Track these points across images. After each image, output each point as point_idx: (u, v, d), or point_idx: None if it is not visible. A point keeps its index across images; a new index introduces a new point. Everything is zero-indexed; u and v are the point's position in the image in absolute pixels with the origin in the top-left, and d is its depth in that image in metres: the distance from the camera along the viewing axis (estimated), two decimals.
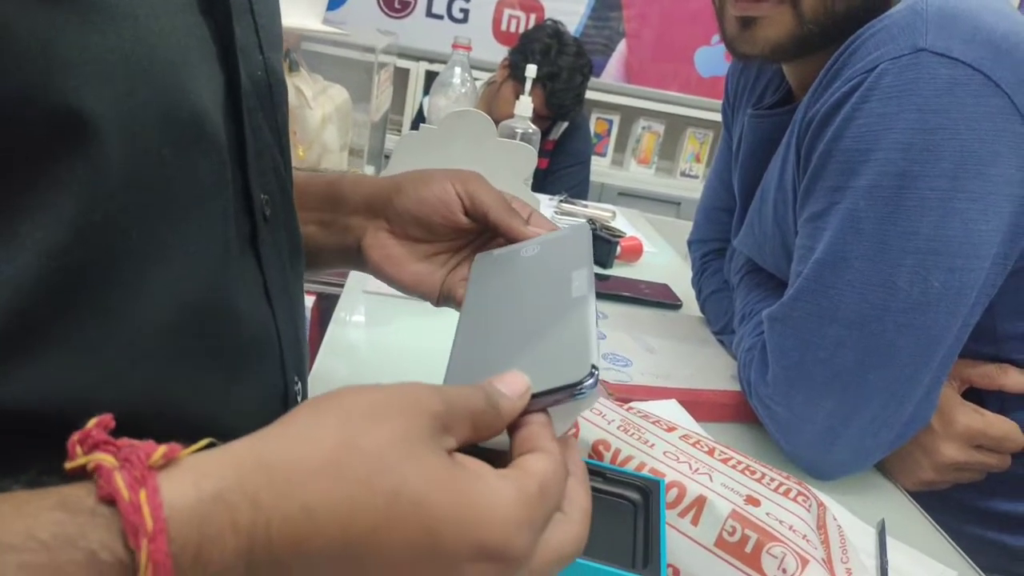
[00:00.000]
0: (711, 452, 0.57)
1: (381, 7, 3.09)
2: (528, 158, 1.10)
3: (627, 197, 3.03)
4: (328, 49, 1.49)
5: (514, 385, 0.36)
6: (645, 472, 0.54)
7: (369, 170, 1.61)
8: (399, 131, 2.86)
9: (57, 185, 0.28)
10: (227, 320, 0.39)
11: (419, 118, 2.38)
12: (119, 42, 0.30)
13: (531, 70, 1.28)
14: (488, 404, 0.34)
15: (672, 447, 0.57)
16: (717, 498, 0.52)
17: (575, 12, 3.10)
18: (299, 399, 0.49)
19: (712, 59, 3.16)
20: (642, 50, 3.17)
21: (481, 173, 0.57)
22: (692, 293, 1.16)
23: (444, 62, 1.55)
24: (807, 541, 0.50)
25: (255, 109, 0.42)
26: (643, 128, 3.28)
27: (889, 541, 0.65)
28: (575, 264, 0.47)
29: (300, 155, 1.32)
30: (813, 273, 0.72)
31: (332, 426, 0.30)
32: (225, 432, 0.29)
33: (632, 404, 0.67)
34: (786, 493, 0.54)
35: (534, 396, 0.36)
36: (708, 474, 0.54)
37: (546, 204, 1.67)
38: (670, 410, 0.75)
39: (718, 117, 1.15)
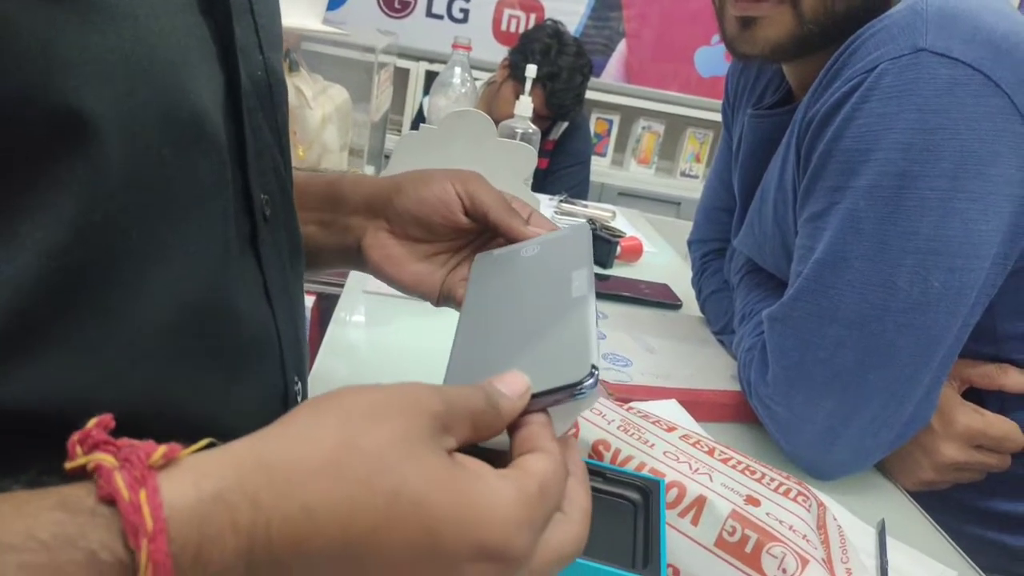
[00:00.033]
0: (711, 452, 0.57)
1: (381, 7, 3.09)
2: (528, 158, 1.10)
3: (627, 197, 3.03)
4: (328, 49, 1.49)
5: (514, 385, 0.36)
6: (645, 472, 0.54)
7: (369, 170, 1.61)
8: (399, 131, 2.86)
9: (57, 185, 0.28)
10: (227, 320, 0.39)
11: (419, 118, 2.38)
12: (119, 42, 0.30)
13: (531, 70, 1.28)
14: (488, 404, 0.34)
15: (672, 447, 0.57)
16: (717, 498, 0.52)
17: (575, 12, 3.10)
18: (299, 399, 0.49)
19: (712, 59, 3.16)
20: (642, 50, 3.17)
21: (481, 173, 0.57)
22: (692, 293, 1.16)
23: (444, 62, 1.55)
24: (807, 541, 0.50)
25: (255, 109, 0.42)
26: (643, 128, 3.28)
27: (889, 541, 0.65)
28: (575, 264, 0.47)
29: (300, 155, 1.32)
30: (813, 273, 0.72)
31: (332, 426, 0.30)
32: (225, 432, 0.29)
33: (632, 404, 0.67)
34: (786, 493, 0.54)
35: (534, 396, 0.36)
36: (708, 474, 0.54)
37: (546, 204, 1.67)
38: (670, 410, 0.75)
39: (718, 117, 1.15)
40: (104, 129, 0.29)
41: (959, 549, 0.69)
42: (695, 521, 0.52)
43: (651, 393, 0.81)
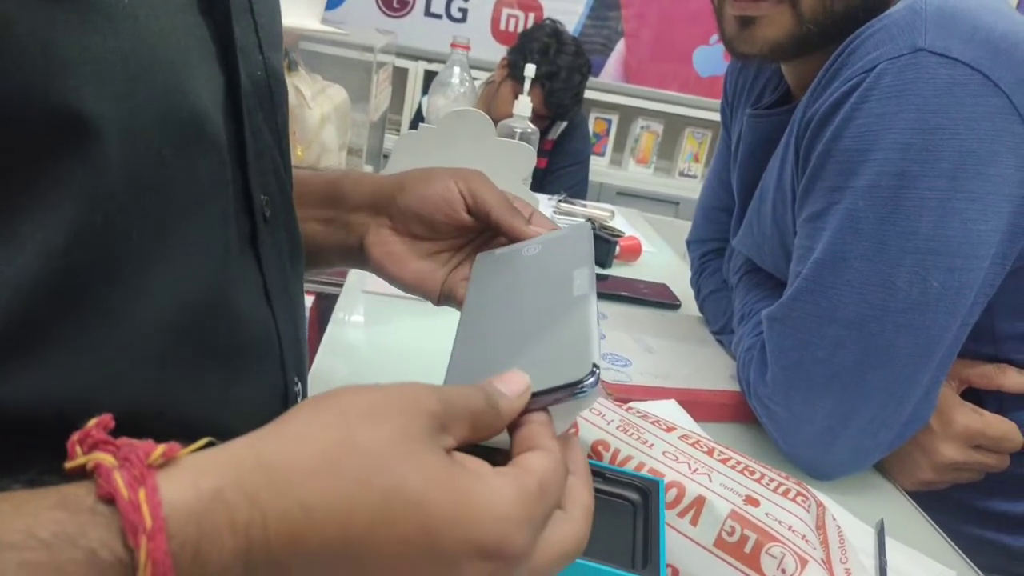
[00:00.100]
0: (710, 452, 0.57)
1: (380, 6, 3.09)
2: (527, 158, 1.10)
3: (626, 197, 3.03)
4: (327, 49, 1.49)
5: (514, 384, 0.36)
6: (644, 472, 0.54)
7: (368, 170, 1.60)
8: (398, 131, 2.86)
9: (57, 185, 0.28)
10: (227, 320, 0.39)
11: (418, 117, 2.38)
12: (119, 42, 0.30)
13: (530, 69, 1.28)
14: (487, 404, 0.34)
15: (671, 447, 0.57)
16: (716, 498, 0.52)
17: (574, 11, 3.10)
18: (299, 399, 0.49)
19: (711, 59, 3.16)
20: (641, 50, 3.17)
21: (474, 170, 0.57)
22: (691, 293, 1.16)
23: (443, 61, 1.55)
24: (806, 541, 0.50)
25: (255, 109, 0.42)
26: (642, 128, 3.28)
27: (888, 541, 0.65)
28: (576, 263, 0.47)
29: (299, 155, 1.32)
30: (812, 273, 0.72)
31: (330, 425, 0.30)
32: (225, 432, 0.29)
33: (631, 404, 0.67)
34: (785, 493, 0.54)
35: (535, 395, 0.36)
36: (707, 474, 0.54)
37: (545, 204, 1.67)
38: (669, 410, 0.75)
39: (717, 117, 1.15)
40: (104, 129, 0.29)
41: (958, 549, 0.69)
42: (694, 521, 0.52)
43: (650, 393, 0.81)
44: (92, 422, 0.27)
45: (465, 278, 0.54)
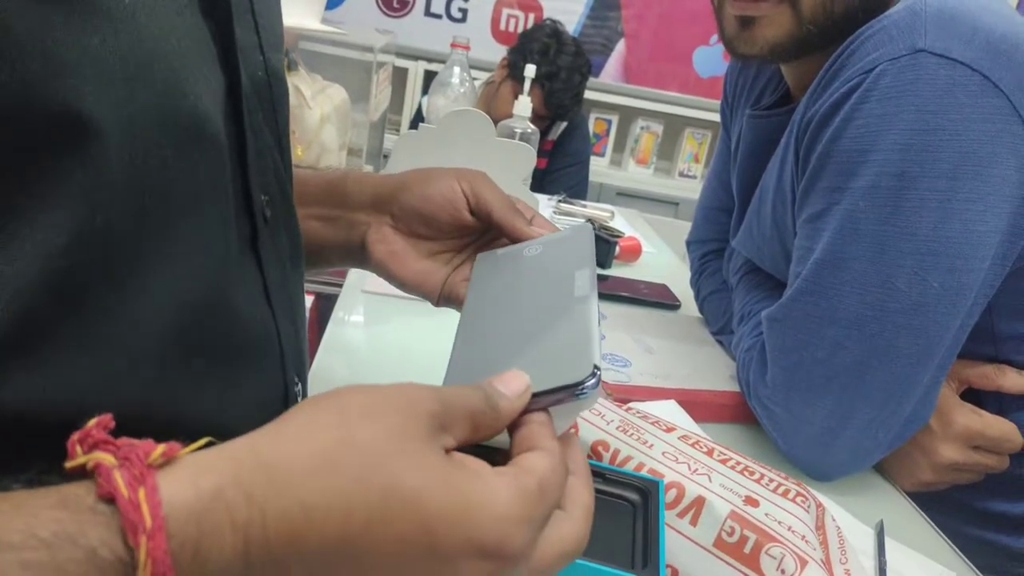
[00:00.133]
0: (710, 453, 0.57)
1: (379, 6, 3.09)
2: (527, 158, 1.10)
3: (625, 197, 3.04)
4: (327, 48, 1.49)
5: (513, 384, 0.36)
6: (644, 473, 0.54)
7: (368, 169, 1.61)
8: (398, 131, 2.86)
9: (57, 186, 0.28)
10: (227, 321, 0.39)
11: (418, 117, 2.38)
12: (118, 43, 0.30)
13: (530, 70, 1.28)
14: (487, 404, 0.34)
15: (671, 447, 0.57)
16: (716, 499, 0.52)
17: (574, 12, 3.10)
18: (299, 399, 0.49)
19: (711, 59, 3.16)
20: (641, 50, 3.17)
21: (477, 171, 0.57)
22: (691, 293, 1.16)
23: (443, 61, 1.55)
24: (806, 542, 0.50)
25: (255, 110, 0.42)
26: (641, 128, 3.28)
27: (888, 542, 0.65)
28: (577, 264, 0.47)
29: (299, 154, 1.32)
30: (812, 274, 0.72)
31: (330, 424, 0.30)
32: (225, 432, 0.29)
33: (631, 404, 0.67)
34: (785, 494, 0.54)
35: (535, 395, 0.36)
36: (707, 475, 0.54)
37: (545, 204, 1.67)
38: (669, 410, 0.75)
39: (717, 117, 1.15)
40: (104, 131, 0.29)
41: (957, 550, 0.69)
42: (694, 522, 0.52)
43: (650, 393, 0.81)
44: (92, 422, 0.27)
45: (466, 279, 0.54)
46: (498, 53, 2.45)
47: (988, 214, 0.66)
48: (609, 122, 3.30)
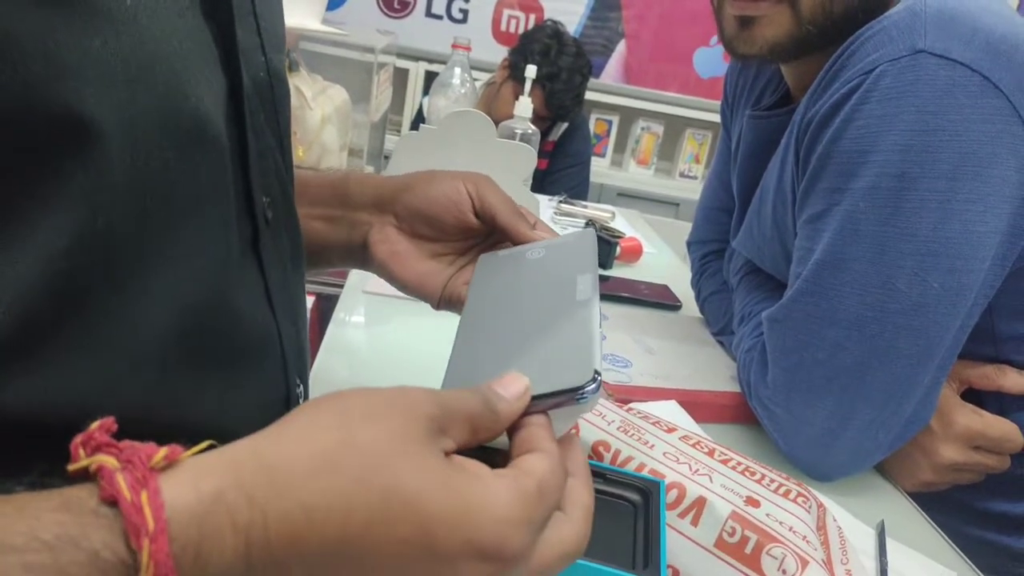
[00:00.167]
0: (711, 453, 0.57)
1: (380, 7, 3.09)
2: (527, 159, 1.10)
3: (626, 198, 3.03)
4: (327, 49, 1.49)
5: (513, 387, 0.36)
6: (645, 473, 0.54)
7: (369, 170, 1.61)
8: (398, 131, 2.86)
9: (59, 189, 0.28)
10: (228, 322, 0.39)
11: (419, 118, 2.38)
12: (120, 45, 0.30)
13: (531, 71, 1.28)
14: (485, 407, 0.34)
15: (672, 448, 0.57)
16: (717, 499, 0.52)
17: (574, 12, 3.10)
18: (301, 401, 0.49)
19: (711, 60, 3.16)
20: (641, 51, 3.17)
21: (481, 174, 0.57)
22: (691, 294, 1.16)
23: (444, 62, 1.55)
24: (807, 542, 0.50)
25: (257, 111, 0.42)
26: (642, 129, 3.28)
27: (889, 542, 0.65)
28: (580, 268, 0.47)
29: (299, 155, 1.32)
30: (812, 274, 0.72)
31: (330, 426, 0.30)
32: (228, 435, 0.29)
33: (632, 405, 0.67)
34: (786, 494, 0.54)
35: (535, 398, 0.36)
36: (708, 475, 0.54)
37: (545, 205, 1.67)
38: (670, 411, 0.75)
39: (717, 118, 1.15)
40: (105, 132, 0.29)
41: (958, 550, 0.69)
42: (695, 522, 0.52)
43: (651, 394, 0.81)
44: (95, 425, 0.27)
45: (467, 282, 0.54)
46: (499, 54, 2.45)
47: (988, 215, 0.66)
48: (610, 123, 3.30)
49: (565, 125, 2.31)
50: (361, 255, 0.58)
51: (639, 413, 0.62)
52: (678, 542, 0.52)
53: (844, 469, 0.76)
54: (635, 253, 1.39)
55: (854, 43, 0.70)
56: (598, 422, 0.59)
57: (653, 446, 0.57)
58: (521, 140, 1.25)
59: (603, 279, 1.22)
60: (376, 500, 0.28)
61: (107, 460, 0.26)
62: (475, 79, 1.63)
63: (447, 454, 0.32)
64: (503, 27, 3.11)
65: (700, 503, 0.52)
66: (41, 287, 0.28)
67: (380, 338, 0.94)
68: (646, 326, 1.04)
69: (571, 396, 0.36)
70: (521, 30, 2.96)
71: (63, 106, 0.27)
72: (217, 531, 0.26)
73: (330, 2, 2.92)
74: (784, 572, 0.48)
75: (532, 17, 3.09)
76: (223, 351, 0.39)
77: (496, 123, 1.11)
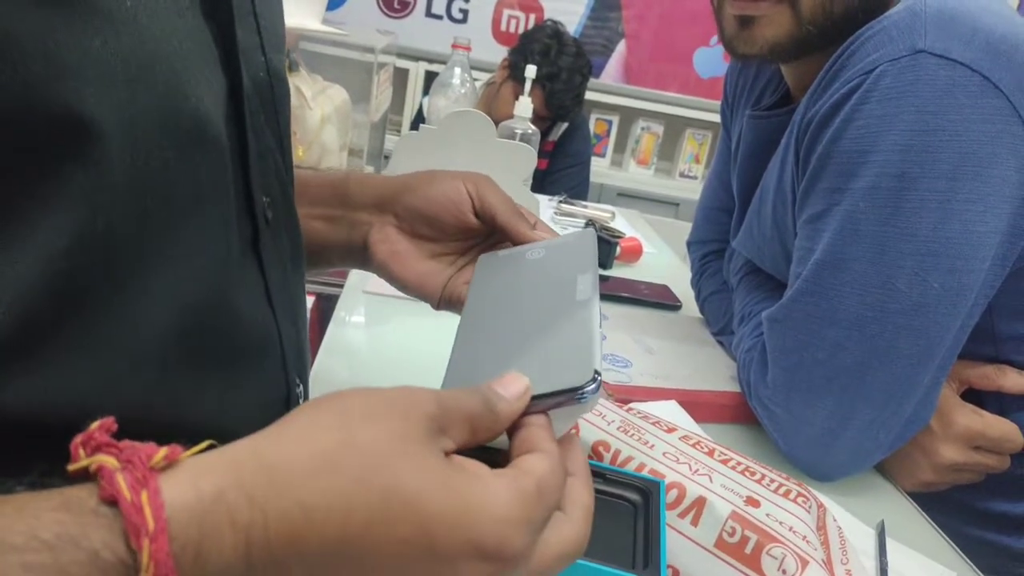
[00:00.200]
0: (711, 453, 0.57)
1: (380, 7, 3.09)
2: (527, 159, 1.10)
3: (626, 198, 3.03)
4: (327, 49, 1.49)
5: (512, 387, 0.36)
6: (645, 473, 0.54)
7: (369, 170, 1.61)
8: (398, 131, 2.86)
9: (58, 188, 0.28)
10: (228, 322, 0.39)
11: (419, 118, 2.38)
12: (120, 45, 0.30)
13: (531, 70, 1.28)
14: (485, 408, 0.34)
15: (672, 448, 0.57)
16: (717, 499, 0.52)
17: (574, 12, 3.10)
18: (301, 401, 0.49)
19: (711, 60, 3.16)
20: (641, 51, 3.17)
21: (481, 174, 0.57)
22: (691, 294, 1.16)
23: (443, 62, 1.55)
24: (807, 542, 0.50)
25: (257, 111, 0.42)
26: (642, 129, 3.28)
27: (889, 542, 0.65)
28: (580, 268, 0.47)
29: (299, 155, 1.32)
30: (812, 274, 0.72)
31: (330, 426, 0.30)
32: (227, 435, 0.29)
33: (632, 405, 0.67)
34: (786, 494, 0.54)
35: (535, 398, 0.36)
36: (708, 475, 0.54)
37: (545, 205, 1.67)
38: (670, 411, 0.75)
39: (717, 118, 1.15)
40: (106, 133, 0.29)
41: (958, 550, 0.69)
42: (695, 522, 0.52)
43: (651, 394, 0.81)
44: (95, 425, 0.27)
45: (467, 282, 0.54)
46: (499, 54, 2.45)
47: (988, 215, 0.66)
48: (610, 123, 3.30)
49: (565, 125, 2.31)
50: (361, 255, 0.58)
51: (639, 413, 0.62)
52: (678, 542, 0.52)
53: (844, 469, 0.76)
54: (635, 253, 1.39)
55: (854, 43, 0.70)
56: (598, 422, 0.59)
57: (653, 446, 0.57)
58: (521, 140, 1.25)
59: (603, 279, 1.22)
60: (376, 500, 0.28)
61: (107, 460, 0.26)
62: (475, 79, 1.63)
63: (447, 454, 0.32)
64: (503, 27, 3.11)
65: (700, 503, 0.52)
66: (41, 287, 0.28)
67: (380, 338, 0.94)
68: (646, 326, 1.04)
69: (571, 396, 0.36)
70: (521, 30, 2.96)
71: (63, 106, 0.27)
72: (217, 530, 0.26)
73: (330, 2, 2.92)
74: (784, 572, 0.48)
75: (532, 17, 3.09)
76: (223, 351, 0.39)
77: (496, 123, 1.11)
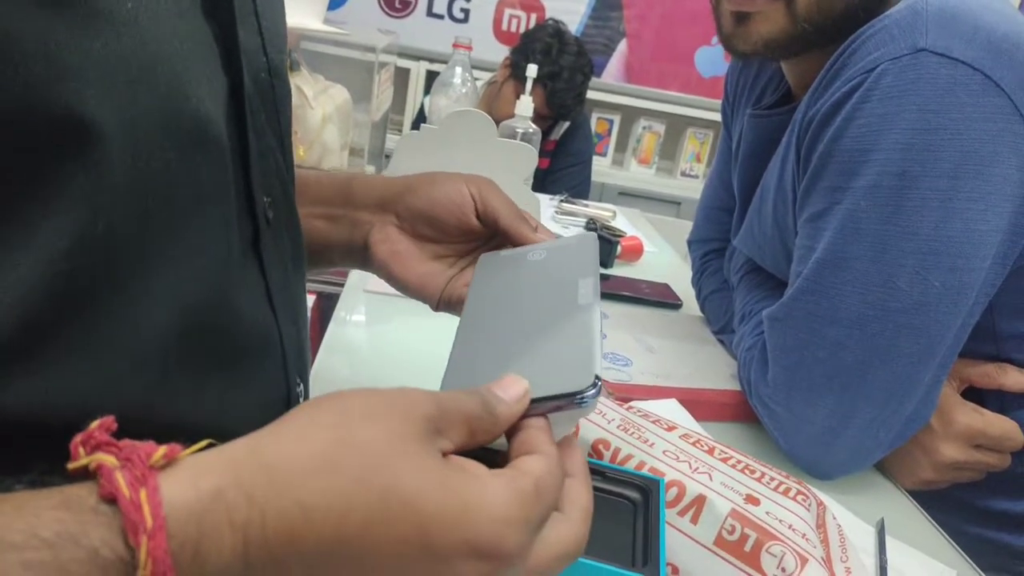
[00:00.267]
0: (711, 451, 0.57)
1: (382, 7, 3.09)
2: (529, 158, 1.10)
3: (627, 197, 3.03)
4: (329, 49, 1.49)
5: (512, 389, 0.36)
6: (645, 471, 0.54)
7: (370, 170, 1.61)
8: (400, 131, 2.86)
9: (59, 190, 0.28)
10: (229, 323, 0.39)
11: (420, 118, 2.38)
12: (120, 46, 0.30)
13: (532, 70, 1.28)
14: (484, 410, 0.34)
15: (672, 446, 0.57)
16: (717, 497, 0.52)
17: (576, 11, 3.09)
18: (301, 400, 0.49)
19: (712, 59, 3.16)
20: (642, 50, 3.17)
21: (482, 173, 0.57)
22: (692, 293, 1.16)
23: (445, 62, 1.55)
24: (806, 540, 0.50)
25: (258, 111, 0.42)
26: (643, 128, 3.28)
27: (888, 540, 0.65)
28: (581, 272, 0.47)
29: (300, 155, 1.32)
30: (813, 273, 0.72)
31: (329, 426, 0.30)
32: (227, 434, 0.29)
33: (632, 403, 0.67)
34: (786, 492, 0.54)
35: (534, 401, 0.36)
36: (708, 473, 0.54)
37: (547, 204, 1.67)
38: (670, 409, 0.75)
39: (718, 117, 1.15)
40: (107, 134, 0.29)
41: (959, 548, 0.69)
42: (695, 520, 0.52)
43: (651, 392, 0.81)
44: (95, 424, 0.27)
45: (467, 284, 0.54)
46: (500, 53, 2.45)
47: (989, 213, 0.66)
48: (611, 122, 3.30)
49: (566, 124, 2.31)
50: (362, 255, 0.58)
51: (639, 411, 0.63)
52: (678, 540, 0.52)
53: (844, 467, 0.76)
54: (636, 252, 1.39)
55: (855, 41, 0.70)
56: (598, 420, 0.59)
57: (653, 444, 0.57)
58: (522, 139, 1.25)
59: (604, 278, 1.22)
60: (375, 500, 0.28)
61: (106, 458, 0.26)
62: (476, 78, 1.63)
63: (444, 455, 0.32)
64: (504, 26, 3.11)
65: (700, 501, 0.52)
66: (42, 288, 0.28)
67: (381, 337, 0.94)
68: (647, 325, 1.05)
69: (571, 400, 0.36)
70: (522, 29, 2.96)
71: (64, 107, 0.28)
72: (215, 529, 0.26)
73: (331, 2, 2.92)
74: (783, 570, 0.48)
75: (533, 16, 3.09)
76: (224, 351, 0.39)
77: (497, 122, 1.11)
